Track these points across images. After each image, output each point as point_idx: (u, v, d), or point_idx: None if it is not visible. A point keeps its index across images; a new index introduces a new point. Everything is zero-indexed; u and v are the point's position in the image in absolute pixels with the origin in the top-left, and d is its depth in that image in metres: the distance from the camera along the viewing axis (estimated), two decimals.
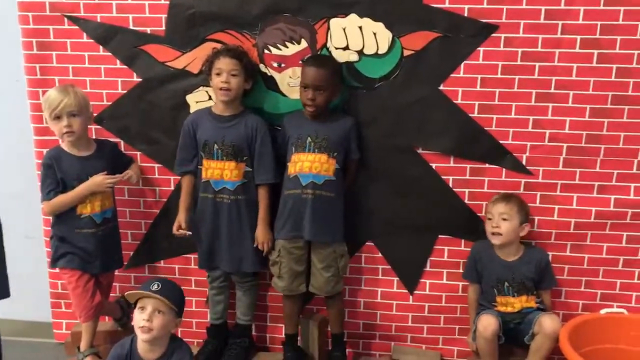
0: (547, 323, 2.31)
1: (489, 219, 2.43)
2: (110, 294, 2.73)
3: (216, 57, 2.40)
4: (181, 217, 2.50)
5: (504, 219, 2.39)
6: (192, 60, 2.51)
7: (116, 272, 2.75)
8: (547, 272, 2.45)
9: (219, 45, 2.46)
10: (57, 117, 2.35)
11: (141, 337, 2.02)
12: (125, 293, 2.09)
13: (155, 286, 2.03)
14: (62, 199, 2.40)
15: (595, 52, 2.31)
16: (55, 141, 2.49)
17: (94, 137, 2.62)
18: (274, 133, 2.53)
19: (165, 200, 2.69)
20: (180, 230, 2.50)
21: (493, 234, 2.42)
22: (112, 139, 2.64)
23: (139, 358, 2.08)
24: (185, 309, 2.72)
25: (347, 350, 2.65)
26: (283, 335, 2.64)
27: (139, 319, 2.02)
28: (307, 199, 2.41)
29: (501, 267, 2.44)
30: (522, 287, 2.42)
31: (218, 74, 2.39)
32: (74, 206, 2.41)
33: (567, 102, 2.38)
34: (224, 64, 2.38)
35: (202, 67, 2.48)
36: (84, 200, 2.41)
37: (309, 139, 2.42)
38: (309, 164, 2.40)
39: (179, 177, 2.58)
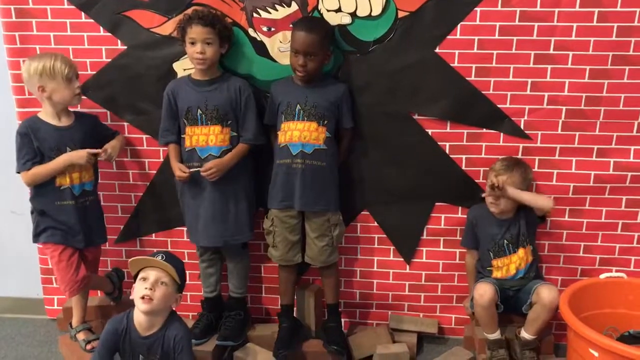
0: (545, 293, 2.29)
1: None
2: (101, 269, 2.68)
3: (188, 24, 2.31)
4: (179, 165, 2.40)
5: None
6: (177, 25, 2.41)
7: (107, 247, 2.71)
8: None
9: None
10: (69, 80, 2.33)
11: (141, 307, 1.98)
12: (129, 260, 2.04)
13: (160, 257, 2.00)
14: (41, 170, 2.34)
15: (596, 10, 2.24)
16: (38, 112, 2.41)
17: (78, 108, 2.55)
18: (263, 100, 2.46)
19: (154, 172, 2.63)
20: (187, 174, 2.38)
21: (492, 203, 2.37)
22: (97, 110, 2.56)
23: (136, 333, 2.05)
24: None
25: (343, 319, 2.64)
26: (279, 306, 2.61)
27: (140, 288, 1.98)
28: (297, 169, 2.36)
29: (498, 227, 2.40)
30: (519, 239, 2.38)
31: (192, 43, 2.31)
32: (52, 178, 2.36)
33: (566, 64, 2.32)
34: (197, 33, 2.29)
35: (172, 33, 2.39)
36: (64, 172, 2.36)
37: (298, 106, 2.36)
38: (298, 133, 2.35)
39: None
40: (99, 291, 2.73)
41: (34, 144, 2.33)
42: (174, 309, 2.09)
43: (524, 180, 2.35)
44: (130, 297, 2.04)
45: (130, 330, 2.05)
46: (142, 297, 1.96)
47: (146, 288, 1.96)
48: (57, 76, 2.30)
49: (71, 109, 2.45)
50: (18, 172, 2.37)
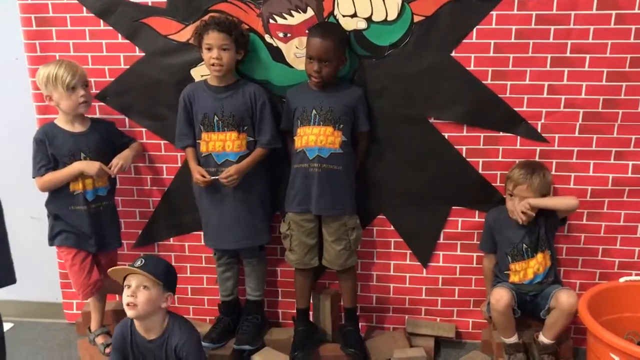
0: (564, 298, 2.27)
1: (510, 195, 2.37)
2: None
3: (205, 30, 2.32)
4: (198, 169, 2.40)
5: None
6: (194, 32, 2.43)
7: (125, 251, 2.73)
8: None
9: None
10: (73, 88, 2.34)
11: (128, 313, 2.03)
12: (108, 270, 2.09)
13: (139, 262, 2.04)
14: (54, 176, 2.38)
15: (613, 12, 2.23)
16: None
17: (97, 114, 2.58)
18: (279, 106, 2.47)
19: (172, 177, 2.65)
20: (206, 179, 2.38)
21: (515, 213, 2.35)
22: (116, 116, 2.59)
23: (140, 337, 2.09)
24: (196, 286, 2.74)
25: (360, 324, 2.63)
26: (295, 310, 2.61)
27: (124, 296, 2.03)
28: (314, 173, 2.37)
29: (517, 231, 2.38)
30: (538, 243, 2.36)
31: (209, 49, 2.32)
32: (66, 183, 2.39)
33: (583, 66, 2.31)
34: (214, 38, 2.30)
35: (189, 39, 2.41)
36: (77, 178, 2.39)
37: (313, 111, 2.36)
38: (314, 138, 2.35)
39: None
40: (117, 295, 2.75)
41: (48, 150, 2.37)
42: (165, 307, 2.09)
43: (544, 185, 2.33)
44: None
45: (135, 334, 2.10)
46: (127, 305, 2.01)
47: (128, 295, 2.00)
48: (58, 86, 2.33)
49: (87, 115, 2.48)
50: (33, 178, 2.41)
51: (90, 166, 2.38)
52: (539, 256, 2.37)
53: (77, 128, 2.43)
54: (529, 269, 2.38)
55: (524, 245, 2.38)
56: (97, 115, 2.58)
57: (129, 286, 2.02)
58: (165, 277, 2.07)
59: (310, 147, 2.36)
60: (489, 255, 2.50)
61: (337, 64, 2.32)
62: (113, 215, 2.58)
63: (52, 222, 2.48)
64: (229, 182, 2.36)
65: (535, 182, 2.31)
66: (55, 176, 2.38)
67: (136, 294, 2.00)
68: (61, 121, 2.42)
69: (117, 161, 2.45)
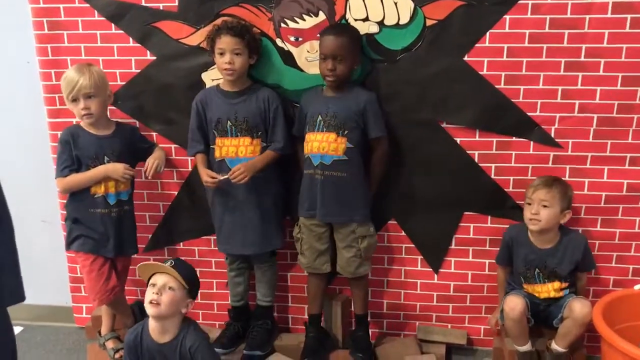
0: (578, 308, 2.23)
1: (528, 204, 2.33)
2: (129, 277, 2.69)
3: (217, 34, 2.32)
4: (207, 171, 2.40)
5: (545, 206, 2.28)
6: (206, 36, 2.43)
7: (136, 255, 2.72)
8: (585, 255, 2.35)
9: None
10: (75, 100, 2.33)
11: (149, 311, 2.01)
12: (138, 265, 2.07)
13: (169, 263, 2.03)
14: (77, 179, 2.37)
15: (629, 16, 2.20)
16: (69, 123, 2.45)
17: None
18: (291, 110, 2.46)
19: (182, 181, 2.65)
20: (215, 180, 2.37)
21: (531, 219, 2.31)
22: (126, 120, 2.59)
23: (151, 340, 2.07)
24: (206, 291, 2.73)
25: (371, 330, 2.61)
26: (306, 316, 2.60)
27: (148, 293, 2.01)
28: (317, 180, 2.36)
29: (533, 254, 2.35)
30: (553, 274, 2.34)
31: (221, 54, 2.32)
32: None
33: (597, 71, 2.28)
34: (226, 43, 2.29)
35: (200, 43, 2.41)
36: (99, 181, 2.38)
37: (319, 117, 2.35)
38: (317, 144, 2.34)
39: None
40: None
41: (73, 152, 2.36)
42: (184, 313, 2.09)
43: (563, 196, 2.29)
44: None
45: (146, 339, 2.08)
46: (150, 302, 1.99)
47: (153, 293, 2.00)
48: (63, 92, 2.34)
49: (112, 118, 2.49)
50: (56, 178, 2.39)
51: (115, 168, 2.38)
52: (556, 284, 2.34)
53: (102, 131, 2.41)
54: (542, 292, 2.35)
55: (537, 270, 2.34)
56: (118, 118, 2.57)
57: (154, 284, 2.01)
58: (192, 282, 2.08)
59: (314, 154, 2.35)
60: (505, 267, 2.47)
61: (351, 62, 2.29)
62: (133, 220, 2.56)
63: (70, 226, 2.46)
64: (238, 178, 2.33)
65: (555, 190, 2.28)
66: (78, 178, 2.37)
67: (161, 293, 1.99)
68: (85, 123, 2.41)
69: (153, 161, 2.45)
